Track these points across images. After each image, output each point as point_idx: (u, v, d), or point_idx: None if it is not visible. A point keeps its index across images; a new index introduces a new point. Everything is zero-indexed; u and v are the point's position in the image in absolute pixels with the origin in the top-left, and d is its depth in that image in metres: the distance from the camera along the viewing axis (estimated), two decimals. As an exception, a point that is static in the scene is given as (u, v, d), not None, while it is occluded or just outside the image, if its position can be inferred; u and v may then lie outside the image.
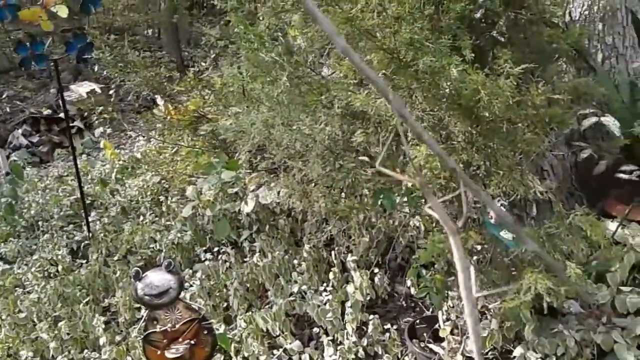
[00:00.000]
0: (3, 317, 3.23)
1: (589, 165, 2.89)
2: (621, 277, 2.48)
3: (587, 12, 3.14)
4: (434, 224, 2.95)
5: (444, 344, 2.37)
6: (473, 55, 2.16)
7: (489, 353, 2.47)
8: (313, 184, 2.76)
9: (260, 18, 2.94)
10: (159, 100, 3.57)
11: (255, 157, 3.30)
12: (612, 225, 2.68)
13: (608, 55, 3.16)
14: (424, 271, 2.83)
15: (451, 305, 2.49)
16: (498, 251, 2.50)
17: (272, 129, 2.66)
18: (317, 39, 2.85)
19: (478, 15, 2.31)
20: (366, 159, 2.71)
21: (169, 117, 3.46)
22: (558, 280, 2.09)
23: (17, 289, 3.51)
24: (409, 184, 2.68)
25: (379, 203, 2.60)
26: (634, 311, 2.33)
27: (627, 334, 2.22)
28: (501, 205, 2.16)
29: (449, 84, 2.23)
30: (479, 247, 2.70)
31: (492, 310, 2.41)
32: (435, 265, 2.92)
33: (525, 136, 2.21)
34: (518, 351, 2.26)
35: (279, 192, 3.10)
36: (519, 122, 2.23)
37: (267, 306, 2.98)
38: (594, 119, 2.62)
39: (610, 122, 2.56)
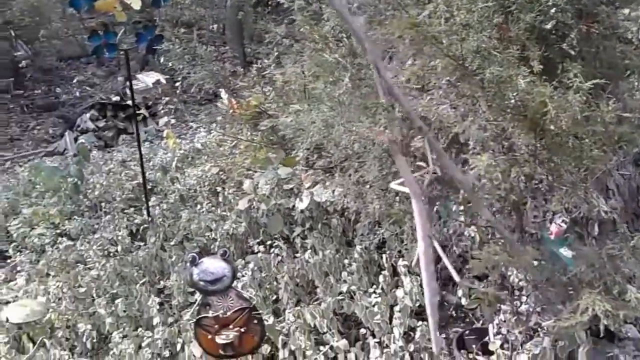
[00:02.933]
0: (64, 291, 3.40)
1: (657, 187, 2.78)
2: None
3: (665, 28, 3.01)
4: (489, 236, 2.91)
5: (493, 357, 2.34)
6: (541, 67, 2.12)
7: (538, 371, 2.42)
8: (368, 186, 2.78)
9: (325, 19, 2.97)
10: (223, 94, 3.67)
11: (313, 155, 3.34)
12: (678, 251, 2.57)
13: (685, 74, 3.01)
14: (476, 282, 2.80)
15: (503, 320, 2.46)
16: (556, 268, 2.45)
17: (332, 128, 2.69)
18: (381, 42, 2.86)
19: (548, 26, 2.26)
20: (423, 164, 2.71)
21: (231, 111, 3.55)
22: (617, 303, 2.03)
23: (78, 264, 3.68)
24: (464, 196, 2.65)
25: (435, 210, 2.59)
26: (696, 341, 2.23)
27: (686, 364, 2.14)
28: (562, 221, 2.12)
29: (514, 94, 2.20)
30: (535, 263, 2.65)
31: (545, 329, 2.37)
32: (489, 278, 2.88)
33: (591, 153, 2.15)
34: (569, 372, 2.21)
35: (333, 191, 3.13)
36: (585, 138, 2.18)
37: (315, 303, 3.02)
38: (665, 139, 2.51)
39: (683, 143, 2.45)
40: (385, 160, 2.66)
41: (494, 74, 2.05)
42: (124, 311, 3.17)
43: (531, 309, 2.45)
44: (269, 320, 2.75)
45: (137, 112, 6.70)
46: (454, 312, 2.98)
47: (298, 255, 3.33)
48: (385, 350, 2.59)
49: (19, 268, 3.93)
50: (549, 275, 2.27)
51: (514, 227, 2.63)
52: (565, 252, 2.08)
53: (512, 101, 2.19)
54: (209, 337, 2.50)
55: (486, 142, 2.16)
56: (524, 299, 2.54)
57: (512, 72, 2.04)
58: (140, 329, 2.99)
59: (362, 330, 2.80)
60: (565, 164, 2.18)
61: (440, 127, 2.36)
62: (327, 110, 2.80)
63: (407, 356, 2.57)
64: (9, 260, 4.22)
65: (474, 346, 2.45)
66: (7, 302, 3.41)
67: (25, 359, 2.83)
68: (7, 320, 3.18)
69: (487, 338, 2.42)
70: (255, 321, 2.52)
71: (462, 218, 2.89)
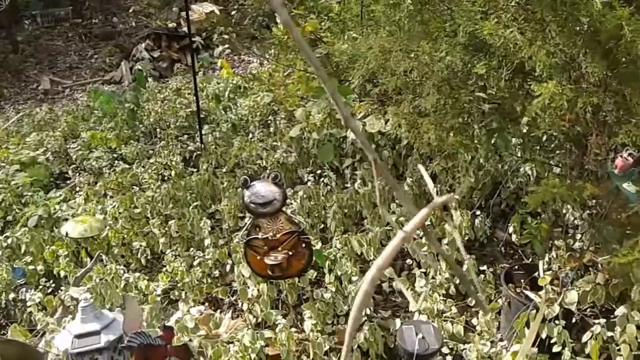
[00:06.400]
0: (121, 211, 3.52)
1: None
2: None
3: None
4: (546, 173, 2.82)
5: (542, 292, 2.30)
6: (622, -12, 1.97)
7: (588, 310, 2.38)
8: (424, 116, 2.70)
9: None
10: (278, 19, 3.59)
11: (368, 84, 3.27)
12: None
13: None
14: (529, 219, 2.74)
15: (554, 256, 2.40)
16: (614, 207, 2.36)
17: (389, 54, 2.61)
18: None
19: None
20: (483, 95, 2.61)
21: (285, 37, 3.48)
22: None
23: (134, 187, 3.80)
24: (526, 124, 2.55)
25: (493, 142, 2.51)
26: None
27: None
28: (629, 155, 2.01)
29: (587, 20, 2.06)
30: (592, 202, 2.56)
31: (600, 266, 2.30)
32: (542, 215, 2.81)
33: (668, 84, 2.01)
34: (621, 310, 2.15)
35: (386, 122, 3.08)
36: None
37: (362, 232, 3.03)
38: None
39: None
40: (444, 89, 2.57)
41: (568, -6, 1.92)
42: (177, 232, 3.27)
43: (585, 247, 2.38)
44: (317, 246, 2.77)
45: (192, 41, 6.71)
46: (502, 249, 2.93)
47: (347, 186, 3.32)
48: (430, 281, 2.59)
49: (77, 188, 4.09)
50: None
51: (573, 164, 2.54)
52: (629, 187, 1.98)
53: (585, 27, 2.06)
54: (258, 257, 2.55)
55: (554, 69, 2.04)
56: (578, 236, 2.47)
57: (589, -8, 1.90)
58: (191, 249, 3.09)
59: (409, 261, 2.80)
60: (636, 96, 2.05)
61: (505, 53, 2.24)
62: (385, 35, 2.71)
63: (452, 288, 2.57)
64: (68, 181, 4.39)
65: (522, 281, 2.41)
66: (66, 219, 3.57)
67: (83, 272, 2.97)
68: (67, 235, 3.33)
69: (536, 273, 2.38)
70: (304, 245, 2.55)
71: (519, 153, 2.81)
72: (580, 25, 2.07)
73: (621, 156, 2.03)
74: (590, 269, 2.44)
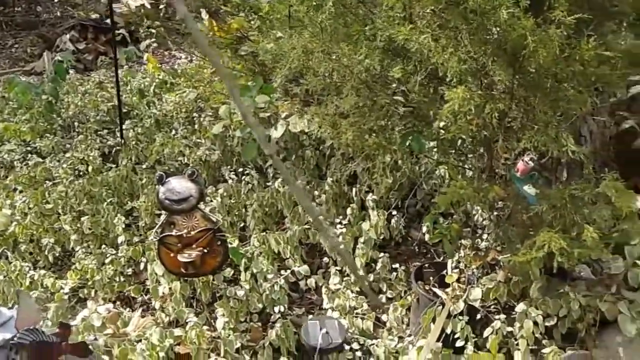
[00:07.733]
0: (30, 206, 3.36)
1: (630, 138, 2.80)
2: (640, 252, 2.43)
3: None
4: (459, 175, 2.93)
5: (449, 290, 2.39)
6: (528, 1, 2.07)
7: (492, 306, 2.49)
8: (345, 117, 2.74)
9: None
10: (204, 15, 3.55)
11: (291, 85, 3.28)
12: (640, 202, 2.61)
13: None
14: (441, 219, 2.83)
15: (462, 255, 2.49)
16: (518, 208, 2.47)
17: (312, 55, 2.63)
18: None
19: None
20: (401, 98, 2.68)
21: (211, 34, 3.44)
22: (574, 242, 2.07)
23: (47, 181, 3.63)
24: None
25: (408, 144, 2.58)
26: (646, 287, 2.29)
27: (633, 307, 2.20)
28: (531, 159, 2.12)
29: (497, 29, 2.15)
30: (500, 203, 2.68)
31: (501, 263, 2.41)
32: (454, 216, 2.92)
33: (568, 93, 2.13)
34: (520, 307, 2.26)
35: (309, 121, 3.10)
36: (564, 80, 2.16)
37: (281, 231, 3.03)
38: (643, 88, 2.51)
39: (660, 94, 2.45)
40: (363, 91, 2.61)
41: (477, 3, 2.01)
42: (90, 229, 3.15)
43: (490, 246, 2.49)
44: (234, 244, 2.75)
45: (117, 32, 6.47)
46: (416, 248, 3.02)
47: (269, 184, 3.31)
48: (345, 279, 2.63)
49: (-14, 182, 3.87)
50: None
51: (483, 167, 2.65)
52: (529, 189, 2.09)
53: (494, 36, 2.15)
54: (171, 255, 2.50)
55: (464, 76, 2.12)
56: (485, 236, 2.58)
57: (497, 2, 1.99)
58: (104, 247, 2.98)
59: (325, 259, 2.83)
60: (540, 104, 2.16)
61: (420, 58, 2.31)
62: (308, 36, 2.73)
63: (365, 284, 2.61)
64: (-23, 175, 4.15)
65: (431, 279, 2.49)
66: (-29, 214, 3.36)
67: (-15, 269, 2.82)
68: (-31, 230, 3.14)
69: (445, 272, 2.46)
70: (219, 242, 2.52)
71: (435, 156, 2.90)
72: (490, 34, 2.16)
73: (523, 160, 2.14)
74: (495, 267, 2.55)
